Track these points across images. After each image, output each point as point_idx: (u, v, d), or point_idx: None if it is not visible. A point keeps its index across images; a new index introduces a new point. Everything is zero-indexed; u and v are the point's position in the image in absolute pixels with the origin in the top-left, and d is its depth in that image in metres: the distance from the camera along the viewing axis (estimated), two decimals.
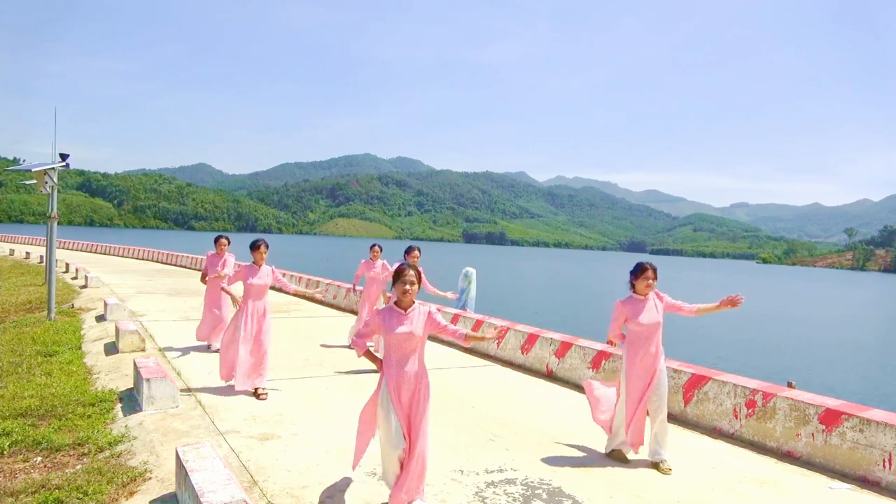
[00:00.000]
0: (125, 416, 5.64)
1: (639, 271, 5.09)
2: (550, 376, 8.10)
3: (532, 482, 4.50)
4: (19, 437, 4.98)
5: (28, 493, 4.01)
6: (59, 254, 24.49)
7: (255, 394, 6.44)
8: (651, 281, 5.06)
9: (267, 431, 5.30)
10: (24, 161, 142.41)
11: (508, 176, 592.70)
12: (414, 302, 3.88)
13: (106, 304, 11.10)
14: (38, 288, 15.94)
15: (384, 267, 9.32)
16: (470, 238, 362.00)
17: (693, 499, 4.38)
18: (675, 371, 6.45)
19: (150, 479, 4.27)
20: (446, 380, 7.65)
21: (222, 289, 6.88)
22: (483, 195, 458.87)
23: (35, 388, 6.37)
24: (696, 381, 6.22)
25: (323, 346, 9.44)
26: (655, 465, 4.95)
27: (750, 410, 5.70)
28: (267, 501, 3.94)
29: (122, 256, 31.47)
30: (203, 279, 8.78)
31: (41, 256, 23.28)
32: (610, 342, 5.26)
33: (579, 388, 7.56)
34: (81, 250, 34.74)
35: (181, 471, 3.77)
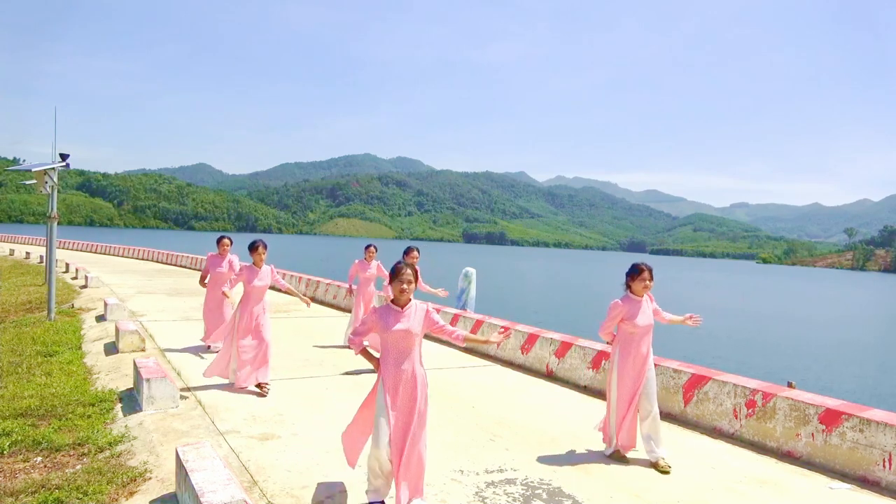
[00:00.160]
0: (125, 416, 5.64)
1: (635, 272, 5.09)
2: (550, 376, 8.10)
3: (532, 482, 4.50)
4: (19, 437, 4.98)
5: (28, 493, 4.01)
6: (59, 254, 24.50)
7: (259, 388, 6.54)
8: (648, 282, 5.07)
9: (267, 431, 5.30)
10: (24, 161, 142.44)
11: (508, 176, 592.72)
12: (411, 300, 3.88)
13: (106, 304, 11.10)
14: (38, 288, 15.94)
15: (379, 268, 9.32)
16: (470, 238, 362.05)
17: (693, 499, 4.38)
18: (675, 371, 6.45)
19: (150, 479, 4.27)
20: (446, 380, 7.65)
21: (223, 293, 6.88)
22: (483, 195, 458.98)
23: (35, 388, 6.37)
24: (696, 381, 6.22)
25: (323, 346, 9.44)
26: (654, 464, 4.95)
27: (750, 410, 5.70)
28: (267, 501, 3.94)
29: (122, 256, 31.47)
30: (202, 282, 8.73)
31: (41, 256, 23.28)
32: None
33: (579, 388, 7.56)
34: (81, 250, 34.74)
35: (181, 471, 3.77)
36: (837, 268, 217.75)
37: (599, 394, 7.11)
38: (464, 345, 4.06)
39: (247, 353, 6.56)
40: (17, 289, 16.11)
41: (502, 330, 4.24)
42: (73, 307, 12.74)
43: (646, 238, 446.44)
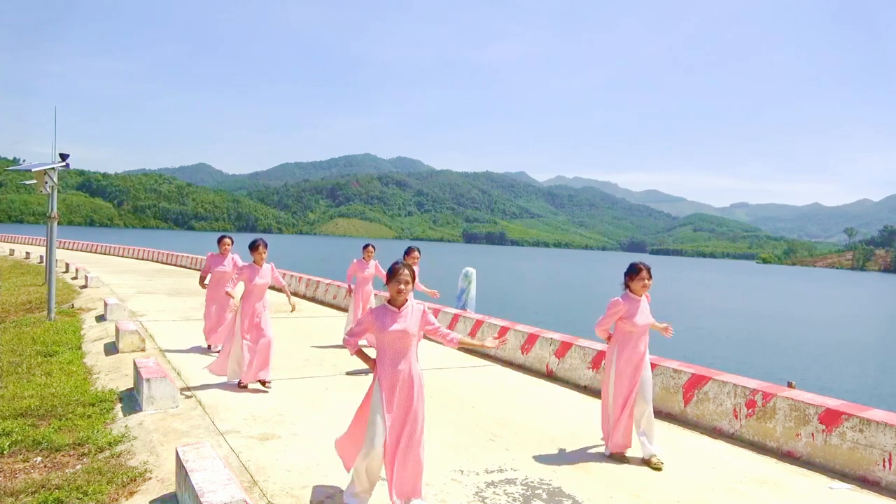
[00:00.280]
0: (125, 416, 5.64)
1: (634, 272, 5.10)
2: (550, 376, 8.10)
3: (532, 482, 4.50)
4: (19, 437, 4.98)
5: (28, 493, 4.01)
6: (59, 254, 24.49)
7: (262, 384, 6.65)
8: (647, 281, 5.08)
9: (267, 431, 5.30)
10: (24, 161, 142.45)
11: (508, 176, 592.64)
12: (407, 300, 3.86)
13: (106, 304, 11.10)
14: (38, 288, 15.95)
15: (377, 268, 9.32)
16: (470, 238, 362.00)
17: (693, 499, 4.38)
18: (675, 371, 6.45)
19: (150, 479, 4.27)
20: (446, 380, 7.65)
21: (227, 293, 6.87)
22: (483, 195, 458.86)
23: (35, 388, 6.38)
24: (696, 381, 6.22)
25: (323, 346, 9.44)
26: (646, 461, 4.99)
27: (750, 410, 5.70)
28: (267, 501, 3.94)
29: (122, 256, 31.47)
30: (202, 282, 8.70)
31: (41, 256, 23.28)
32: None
33: (579, 388, 7.56)
34: (81, 250, 34.74)
35: (181, 471, 3.77)
36: (837, 268, 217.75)
37: (599, 394, 7.10)
38: (458, 348, 4.02)
39: (250, 351, 6.60)
40: (17, 289, 16.12)
41: (497, 336, 4.20)
42: (73, 307, 12.74)
43: (646, 238, 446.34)
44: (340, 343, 9.60)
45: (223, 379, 6.99)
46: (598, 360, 7.46)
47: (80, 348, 8.71)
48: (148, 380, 5.70)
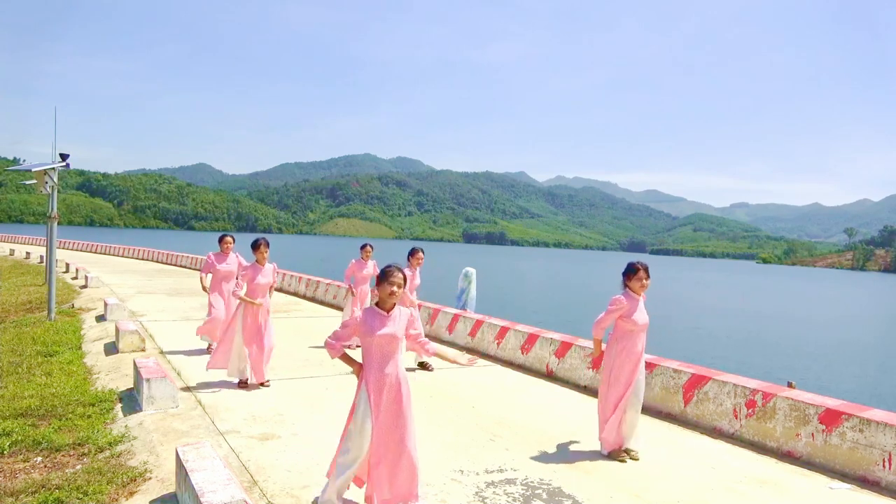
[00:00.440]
0: (125, 416, 5.64)
1: (632, 271, 5.12)
2: (550, 376, 8.10)
3: (532, 482, 4.50)
4: (19, 437, 4.99)
5: (28, 493, 4.01)
6: (60, 254, 24.49)
7: (262, 384, 6.74)
8: (645, 281, 5.11)
9: (267, 431, 5.30)
10: (24, 161, 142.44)
11: (508, 176, 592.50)
12: (396, 304, 3.82)
13: (106, 304, 11.10)
14: (38, 288, 15.95)
15: (375, 268, 9.32)
16: (470, 238, 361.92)
17: (693, 499, 4.38)
18: (675, 371, 6.45)
19: (150, 479, 4.27)
20: (446, 380, 7.66)
21: (241, 298, 6.83)
22: (483, 195, 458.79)
23: (35, 388, 6.38)
24: (696, 381, 6.22)
25: (323, 346, 9.43)
26: (626, 451, 5.09)
27: (750, 410, 5.70)
28: (267, 501, 3.94)
29: (122, 256, 31.48)
30: (204, 280, 8.65)
31: (41, 256, 23.29)
32: (594, 339, 5.25)
33: (579, 388, 7.56)
34: (81, 250, 34.75)
35: (181, 471, 3.77)
36: (837, 268, 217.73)
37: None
38: (431, 357, 3.97)
39: (253, 350, 6.64)
40: (17, 289, 16.12)
41: (471, 358, 4.18)
42: (73, 307, 12.74)
43: (646, 238, 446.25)
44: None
45: (223, 379, 7.00)
46: (597, 361, 7.45)
47: (80, 348, 8.71)
48: (148, 380, 5.70)
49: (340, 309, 14.10)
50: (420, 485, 3.83)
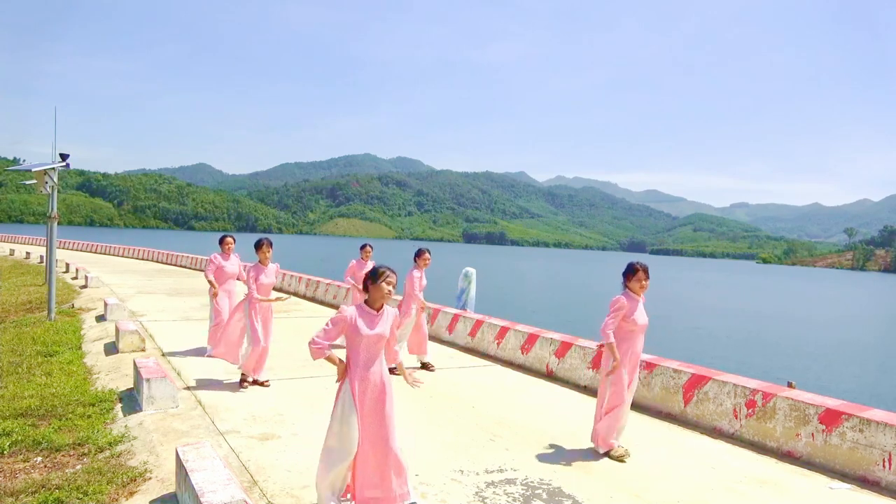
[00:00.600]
0: (125, 416, 5.64)
1: (632, 272, 5.11)
2: (550, 376, 8.10)
3: (532, 482, 4.50)
4: (19, 437, 4.99)
5: (28, 493, 4.01)
6: (59, 254, 24.49)
7: (262, 384, 6.77)
8: (644, 281, 5.09)
9: (267, 431, 5.30)
10: (24, 161, 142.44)
11: (508, 176, 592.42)
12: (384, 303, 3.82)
13: (106, 304, 11.10)
14: (38, 288, 15.94)
15: None
16: (470, 238, 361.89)
17: (693, 499, 4.38)
18: (675, 371, 6.45)
19: (150, 479, 4.27)
20: (446, 380, 7.66)
21: (263, 300, 6.81)
22: (483, 195, 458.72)
23: (35, 388, 6.38)
24: (696, 381, 6.22)
25: None
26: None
27: (750, 410, 5.70)
28: (267, 501, 3.94)
29: (122, 256, 31.47)
30: (215, 285, 8.47)
31: (41, 256, 23.29)
32: (605, 344, 5.10)
33: (579, 388, 7.56)
34: (81, 250, 34.75)
35: (181, 471, 3.77)
36: (837, 268, 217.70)
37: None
38: (394, 364, 3.94)
39: (262, 357, 6.70)
40: (17, 289, 16.12)
41: (418, 380, 4.16)
42: (73, 307, 12.74)
43: (646, 238, 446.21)
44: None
45: (223, 379, 7.01)
46: (598, 361, 7.46)
47: (80, 348, 8.71)
48: (148, 380, 5.70)
49: None
50: (410, 483, 3.80)
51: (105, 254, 32.97)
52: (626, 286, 5.14)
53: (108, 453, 4.75)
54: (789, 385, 6.06)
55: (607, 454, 5.11)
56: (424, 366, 8.12)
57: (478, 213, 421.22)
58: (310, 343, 3.66)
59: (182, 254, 27.71)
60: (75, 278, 18.11)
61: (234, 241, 8.77)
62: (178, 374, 7.14)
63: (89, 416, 5.56)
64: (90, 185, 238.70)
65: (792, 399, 5.40)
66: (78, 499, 3.94)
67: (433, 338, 10.11)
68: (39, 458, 4.67)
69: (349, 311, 3.72)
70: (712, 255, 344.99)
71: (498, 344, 9.19)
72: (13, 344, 8.85)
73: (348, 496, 3.79)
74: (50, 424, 5.33)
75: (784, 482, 4.79)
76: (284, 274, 17.56)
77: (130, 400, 6.09)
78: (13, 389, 6.41)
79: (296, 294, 16.86)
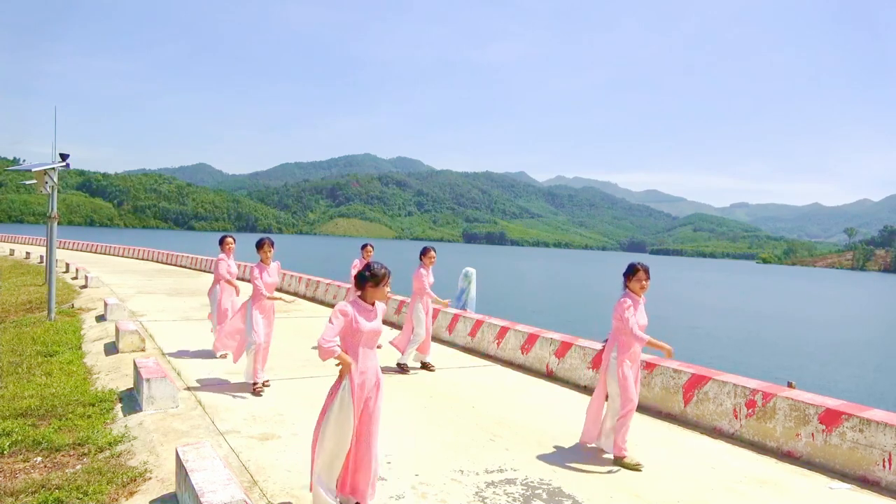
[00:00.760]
0: (125, 416, 5.64)
1: (632, 272, 5.07)
2: (550, 376, 8.10)
3: (532, 482, 4.50)
4: (19, 437, 4.98)
5: (28, 493, 4.01)
6: (59, 254, 24.49)
7: (263, 384, 6.70)
8: (644, 282, 5.04)
9: (267, 431, 5.30)
10: (24, 161, 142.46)
11: (508, 176, 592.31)
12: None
13: (106, 304, 11.10)
14: (38, 288, 15.94)
15: None
16: (470, 238, 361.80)
17: (693, 499, 4.38)
18: (675, 371, 6.45)
19: (150, 479, 4.27)
20: (446, 380, 7.66)
21: (273, 297, 6.81)
22: (483, 195, 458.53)
23: (35, 388, 6.38)
24: (696, 381, 6.22)
25: None
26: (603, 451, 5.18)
27: (750, 410, 5.70)
28: (267, 501, 3.94)
29: (122, 256, 31.47)
30: (229, 283, 8.40)
31: (41, 256, 23.28)
32: (649, 342, 4.90)
33: (579, 388, 7.56)
34: (81, 250, 34.74)
35: (181, 471, 3.77)
36: (837, 268, 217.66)
37: None
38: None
39: (258, 354, 6.64)
40: (17, 289, 16.11)
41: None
42: (73, 307, 12.74)
43: (646, 238, 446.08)
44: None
45: (223, 379, 7.01)
46: (597, 361, 7.46)
47: (80, 348, 8.71)
48: (148, 380, 5.70)
49: None
50: (376, 485, 3.83)
51: (105, 254, 32.96)
52: (626, 287, 5.10)
53: (108, 453, 4.75)
54: (789, 385, 6.06)
55: (620, 462, 4.94)
56: (425, 366, 8.12)
57: (478, 213, 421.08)
58: (319, 344, 3.60)
59: (182, 254, 27.70)
60: (75, 278, 18.11)
61: (235, 241, 8.80)
62: (178, 374, 7.14)
63: (89, 416, 5.56)
64: (90, 185, 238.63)
65: (792, 399, 5.40)
66: (78, 499, 3.94)
67: (433, 338, 10.11)
68: (39, 458, 4.67)
69: (347, 306, 3.72)
70: (712, 255, 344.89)
71: (498, 344, 9.19)
72: (13, 344, 8.85)
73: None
74: (50, 424, 5.33)
75: (784, 482, 4.79)
76: (285, 274, 17.56)
77: (130, 400, 6.09)
78: (13, 389, 6.41)
79: (296, 294, 16.85)
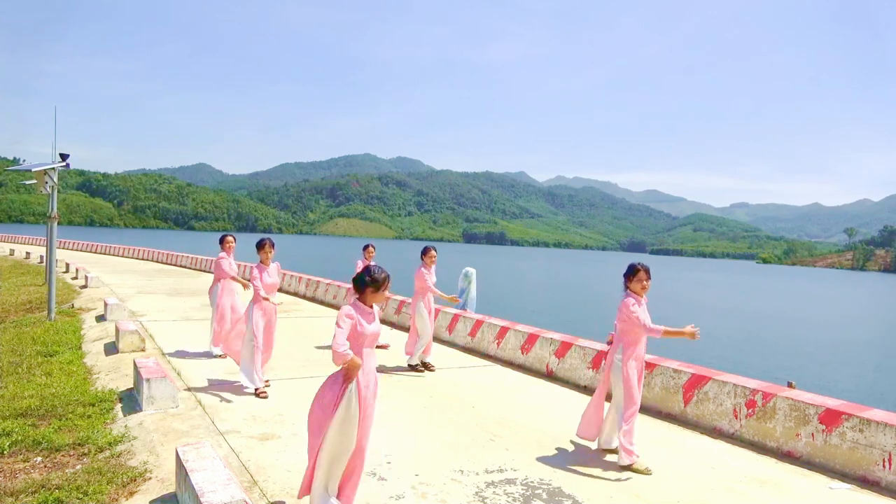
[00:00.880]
0: (125, 416, 5.64)
1: (632, 273, 5.03)
2: (550, 376, 8.10)
3: (532, 482, 4.50)
4: (19, 437, 4.98)
5: (28, 493, 4.01)
6: (60, 254, 24.49)
7: (265, 384, 6.66)
8: (645, 282, 5.00)
9: (267, 431, 5.30)
10: (24, 161, 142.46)
11: (508, 176, 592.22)
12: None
13: (106, 304, 11.10)
14: (38, 288, 15.94)
15: None
16: (470, 238, 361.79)
17: (693, 499, 4.38)
18: (675, 371, 6.45)
19: (150, 479, 4.27)
20: (446, 380, 7.66)
21: (266, 298, 6.78)
22: (483, 195, 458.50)
23: (35, 388, 6.38)
24: (696, 381, 6.22)
25: (323, 346, 9.44)
26: (612, 450, 5.14)
27: (750, 410, 5.70)
28: (267, 501, 3.94)
29: (122, 256, 31.47)
30: (237, 279, 8.37)
31: (41, 256, 23.28)
32: (674, 332, 4.75)
33: (579, 388, 7.56)
34: (81, 250, 34.74)
35: (181, 471, 3.77)
36: (837, 268, 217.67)
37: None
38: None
39: (266, 356, 6.65)
40: (17, 289, 16.11)
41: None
42: (73, 307, 12.74)
43: (646, 238, 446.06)
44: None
45: (223, 379, 7.01)
46: (597, 361, 7.46)
47: (80, 348, 8.71)
48: (148, 380, 5.70)
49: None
50: (357, 492, 3.81)
51: (105, 254, 32.96)
52: (627, 287, 5.05)
53: (108, 453, 4.75)
54: (789, 385, 6.06)
55: (629, 467, 4.84)
56: (425, 365, 8.13)
57: (478, 213, 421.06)
58: (334, 349, 3.49)
59: (182, 254, 27.70)
60: (75, 278, 18.11)
61: (235, 240, 8.80)
62: (178, 374, 7.14)
63: (89, 416, 5.56)
64: (90, 185, 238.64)
65: (792, 399, 5.40)
66: (78, 499, 3.94)
67: (435, 337, 10.11)
68: (39, 458, 4.67)
69: (351, 310, 3.69)
70: (712, 255, 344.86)
71: (498, 344, 9.19)
72: (13, 344, 8.85)
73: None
74: (50, 424, 5.33)
75: (784, 482, 4.79)
76: (285, 274, 17.56)
77: (130, 400, 6.09)
78: (13, 389, 6.41)
79: (296, 294, 16.86)
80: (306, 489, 3.69)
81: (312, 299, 15.87)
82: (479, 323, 9.72)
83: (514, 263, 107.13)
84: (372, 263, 3.82)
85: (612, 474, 4.77)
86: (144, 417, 5.51)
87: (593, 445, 5.36)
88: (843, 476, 4.91)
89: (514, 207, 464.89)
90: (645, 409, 6.53)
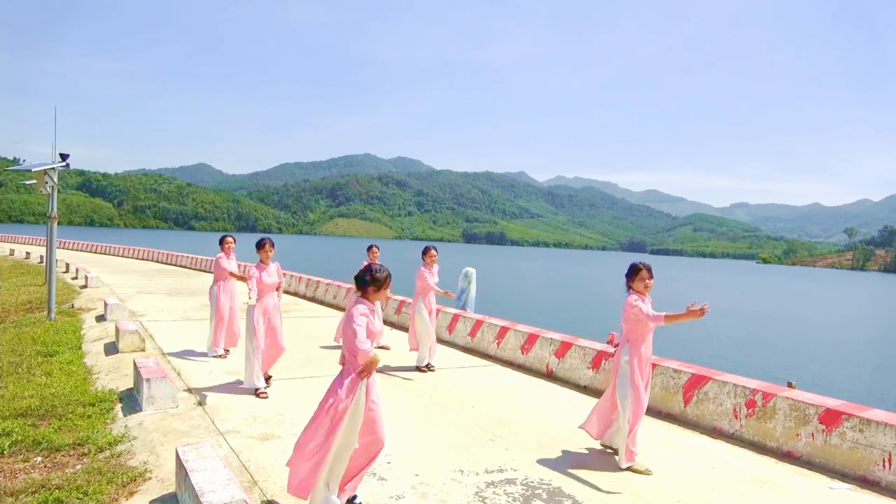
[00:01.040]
0: (125, 416, 5.64)
1: (634, 272, 5.00)
2: (550, 376, 8.10)
3: (532, 482, 4.50)
4: (19, 437, 4.98)
5: (28, 493, 4.01)
6: (60, 254, 24.50)
7: (267, 381, 6.67)
8: (648, 281, 4.97)
9: (267, 431, 5.30)
10: (24, 161, 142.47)
11: (508, 176, 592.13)
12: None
13: (106, 304, 11.10)
14: (38, 288, 15.94)
15: None
16: (470, 238, 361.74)
17: (693, 499, 4.38)
18: (675, 371, 6.45)
19: (150, 479, 4.27)
20: (446, 380, 7.66)
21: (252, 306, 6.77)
22: (483, 195, 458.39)
23: (35, 388, 6.38)
24: (696, 381, 6.22)
25: (323, 346, 9.44)
26: (613, 450, 5.15)
27: (750, 410, 5.70)
28: (267, 501, 3.94)
29: (122, 256, 31.47)
30: (236, 276, 8.40)
31: (41, 256, 23.29)
32: (664, 319, 4.71)
33: (579, 388, 7.56)
34: (81, 250, 34.74)
35: (181, 471, 3.77)
36: (837, 268, 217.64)
37: (599, 394, 7.09)
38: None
39: (261, 358, 6.58)
40: (17, 289, 16.11)
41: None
42: (73, 307, 12.74)
43: (646, 238, 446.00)
44: (340, 343, 9.58)
45: (223, 379, 7.01)
46: (598, 361, 7.46)
47: (80, 348, 8.71)
48: (148, 380, 5.70)
49: (340, 309, 14.09)
50: (357, 492, 3.89)
51: (105, 254, 32.96)
52: (629, 287, 5.00)
53: (108, 453, 4.75)
54: (789, 385, 6.06)
55: (630, 469, 4.86)
56: (426, 365, 8.13)
57: (478, 213, 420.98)
58: (360, 347, 3.51)
59: (182, 254, 27.70)
60: (75, 278, 18.11)
61: (235, 240, 8.79)
62: (178, 374, 7.14)
63: (89, 416, 5.56)
64: (90, 185, 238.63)
65: (792, 399, 5.40)
66: (78, 499, 3.94)
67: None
68: (39, 458, 4.67)
69: (364, 308, 3.70)
70: (712, 255, 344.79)
71: (498, 344, 9.19)
72: (13, 344, 8.85)
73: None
74: (50, 424, 5.33)
75: (784, 482, 4.79)
76: (285, 273, 17.54)
77: (130, 400, 6.09)
78: (13, 389, 6.41)
79: (296, 294, 16.86)
80: (307, 489, 3.66)
81: (312, 299, 15.87)
82: (479, 323, 9.72)
83: (514, 263, 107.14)
84: (372, 263, 3.85)
85: (613, 474, 4.77)
86: (144, 417, 5.51)
87: (594, 440, 5.35)
88: (843, 476, 4.91)
89: (514, 207, 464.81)
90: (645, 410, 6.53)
